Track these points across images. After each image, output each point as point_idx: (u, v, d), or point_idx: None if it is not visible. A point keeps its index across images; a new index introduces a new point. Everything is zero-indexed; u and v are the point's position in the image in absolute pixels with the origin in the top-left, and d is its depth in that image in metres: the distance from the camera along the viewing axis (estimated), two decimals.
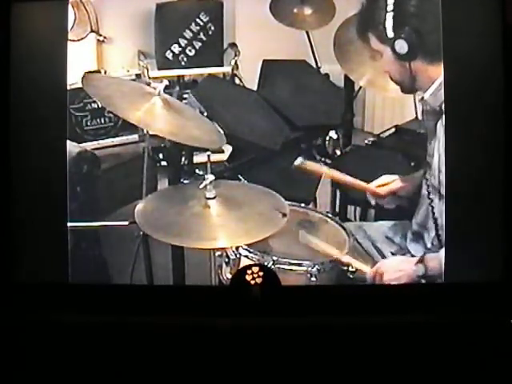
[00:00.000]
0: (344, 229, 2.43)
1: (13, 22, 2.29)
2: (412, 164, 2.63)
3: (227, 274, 2.35)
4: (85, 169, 2.59)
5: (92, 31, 2.85)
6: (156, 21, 2.89)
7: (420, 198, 2.39)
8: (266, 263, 2.25)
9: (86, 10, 2.78)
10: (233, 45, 2.95)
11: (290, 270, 2.26)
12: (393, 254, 2.44)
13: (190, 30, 2.93)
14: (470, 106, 2.24)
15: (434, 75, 2.25)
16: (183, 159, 2.73)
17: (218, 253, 2.38)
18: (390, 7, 2.24)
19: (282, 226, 2.28)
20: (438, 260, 2.24)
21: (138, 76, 2.90)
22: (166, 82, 2.46)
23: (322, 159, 2.75)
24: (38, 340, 2.19)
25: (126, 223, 2.44)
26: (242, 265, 2.28)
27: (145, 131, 2.68)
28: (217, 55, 2.97)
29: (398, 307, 2.24)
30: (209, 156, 2.32)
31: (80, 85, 2.49)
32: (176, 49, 2.93)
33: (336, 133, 2.80)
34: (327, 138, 2.79)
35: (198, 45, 2.94)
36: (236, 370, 2.14)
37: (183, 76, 2.96)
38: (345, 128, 2.85)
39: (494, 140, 2.23)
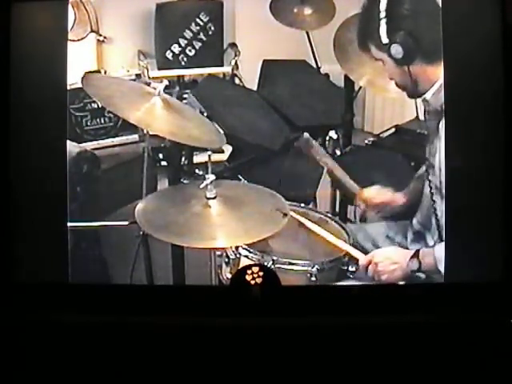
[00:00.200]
0: (344, 229, 2.43)
1: (13, 22, 2.28)
2: (412, 164, 2.63)
3: (227, 274, 2.35)
4: (85, 169, 2.59)
5: (92, 31, 2.85)
6: (156, 21, 2.89)
7: (422, 197, 2.39)
8: (265, 263, 2.25)
9: (86, 9, 2.78)
10: (233, 45, 2.95)
11: (290, 269, 2.26)
12: None
13: (190, 30, 2.93)
14: (470, 106, 2.23)
15: (434, 75, 2.24)
16: (183, 159, 2.74)
17: (218, 253, 2.38)
18: (383, 14, 2.23)
19: (283, 225, 2.28)
20: (432, 255, 2.24)
21: (138, 76, 2.90)
22: (165, 82, 2.45)
23: None
24: (38, 340, 2.19)
25: (126, 223, 2.44)
26: (241, 265, 2.29)
27: (145, 131, 2.68)
28: (217, 55, 2.97)
29: (398, 307, 2.24)
30: (209, 156, 2.32)
31: (80, 85, 2.49)
32: (176, 49, 2.93)
33: (336, 133, 2.80)
34: (327, 138, 2.79)
35: (198, 45, 2.94)
36: (236, 369, 2.13)
37: (183, 76, 2.96)
38: (345, 128, 2.86)
39: (494, 140, 2.23)
